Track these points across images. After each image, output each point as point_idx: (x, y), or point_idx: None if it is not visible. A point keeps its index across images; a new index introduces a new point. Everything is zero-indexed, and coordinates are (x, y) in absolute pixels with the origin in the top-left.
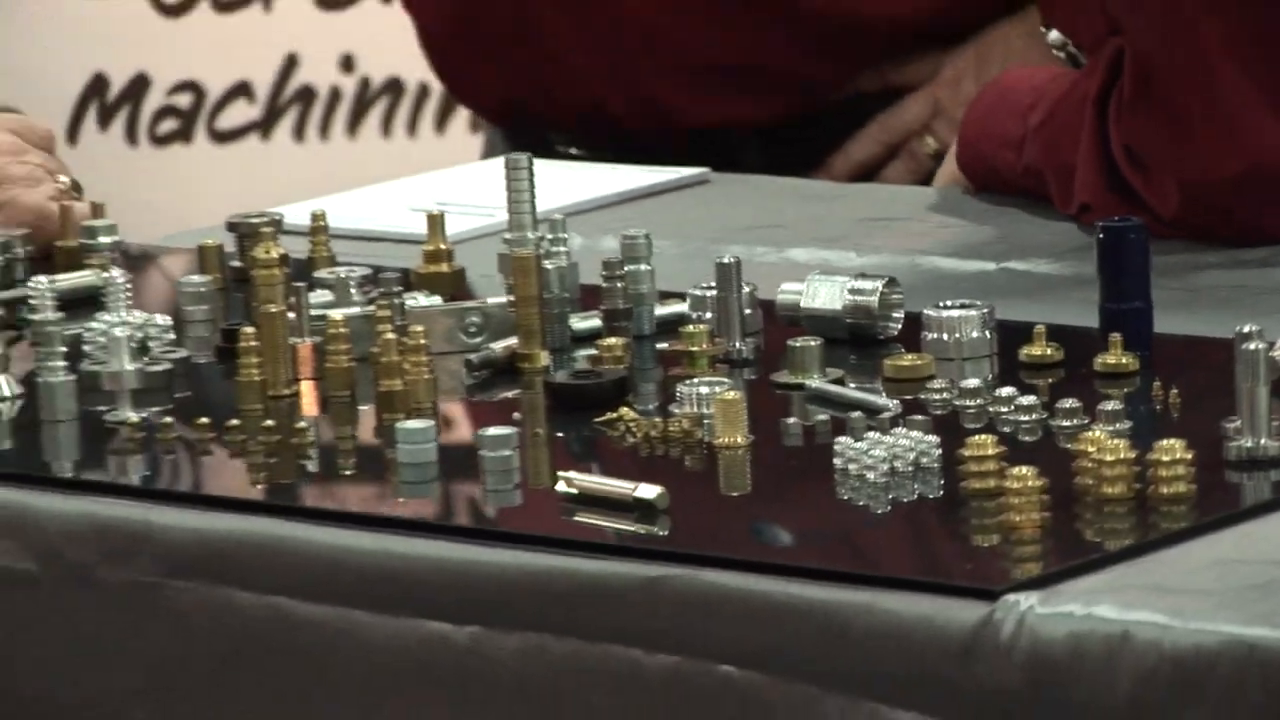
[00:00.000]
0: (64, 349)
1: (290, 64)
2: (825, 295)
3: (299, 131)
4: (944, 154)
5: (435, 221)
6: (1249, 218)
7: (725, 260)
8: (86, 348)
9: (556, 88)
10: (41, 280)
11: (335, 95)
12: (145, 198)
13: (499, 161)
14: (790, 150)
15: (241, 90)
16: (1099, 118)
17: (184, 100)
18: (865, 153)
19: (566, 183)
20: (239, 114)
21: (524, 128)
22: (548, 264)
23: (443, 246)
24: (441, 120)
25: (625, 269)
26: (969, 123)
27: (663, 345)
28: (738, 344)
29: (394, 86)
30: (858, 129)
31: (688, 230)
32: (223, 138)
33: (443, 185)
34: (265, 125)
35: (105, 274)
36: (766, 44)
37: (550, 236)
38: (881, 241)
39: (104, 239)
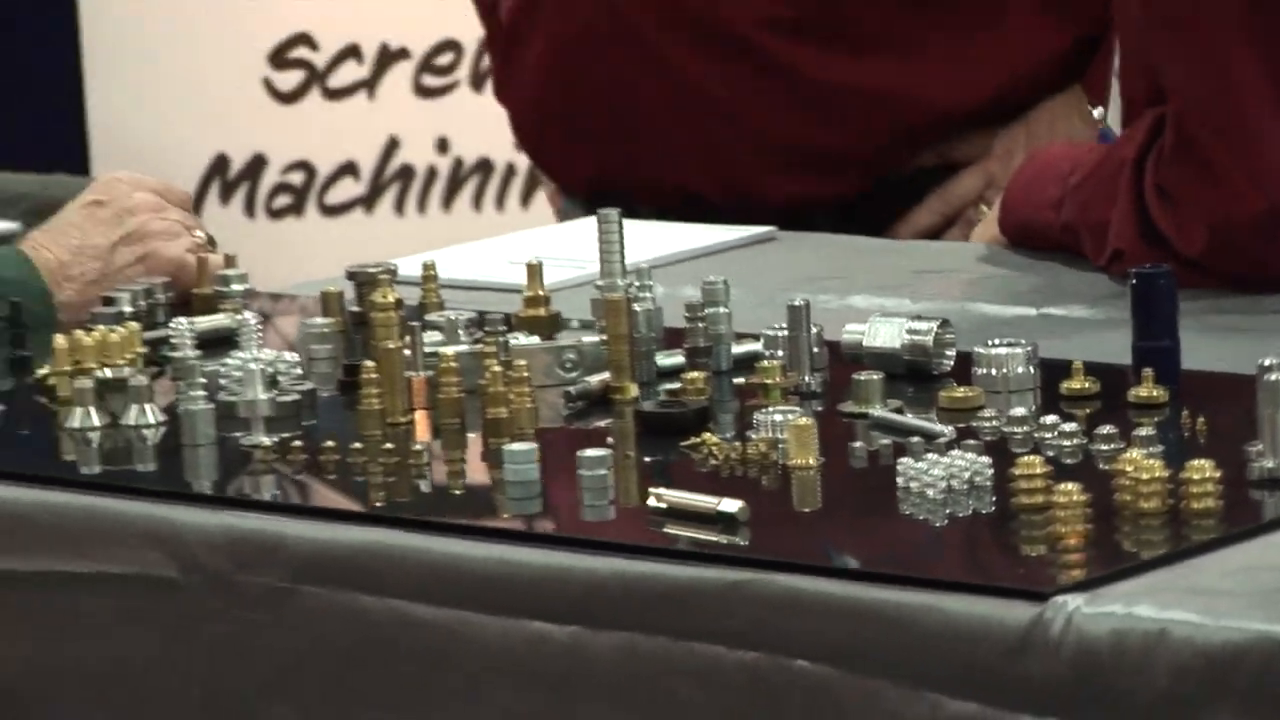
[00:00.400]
0: (203, 381)
1: (392, 146)
2: (885, 335)
3: (399, 206)
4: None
5: (534, 270)
6: (1272, 257)
7: (796, 303)
8: (223, 381)
9: (641, 166)
10: (182, 322)
11: (432, 174)
12: (262, 266)
13: (588, 221)
14: (857, 221)
15: (348, 169)
16: (1136, 176)
17: (297, 178)
18: (926, 222)
19: (647, 239)
20: (346, 190)
21: (607, 203)
22: (636, 307)
23: (541, 293)
24: (526, 196)
25: (705, 311)
26: (1012, 189)
27: (739, 379)
28: (807, 378)
29: (484, 166)
30: (918, 201)
31: (758, 280)
32: (331, 211)
33: (538, 241)
34: (369, 200)
35: (239, 316)
36: (840, 128)
37: (637, 283)
38: (933, 289)
39: (236, 286)
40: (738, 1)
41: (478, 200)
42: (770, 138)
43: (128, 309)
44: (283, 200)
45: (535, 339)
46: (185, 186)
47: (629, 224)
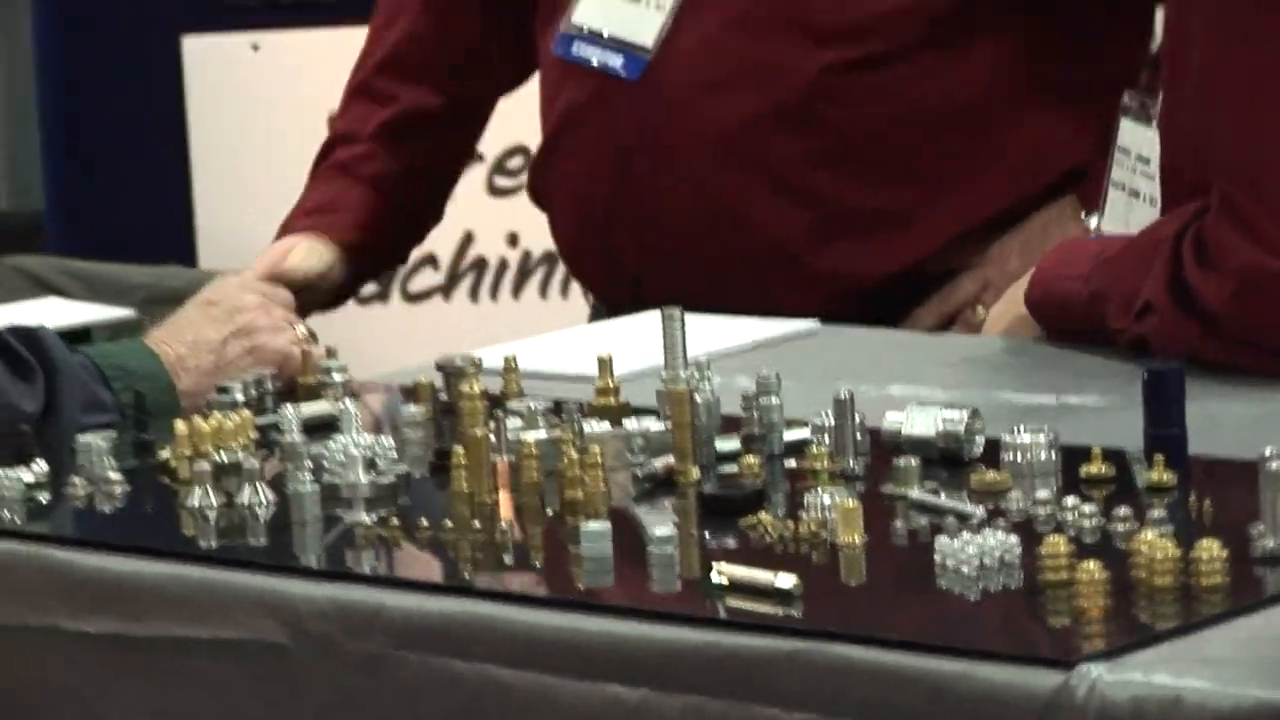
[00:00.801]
0: (309, 464)
1: (467, 240)
2: (921, 423)
3: (474, 294)
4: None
5: (605, 364)
6: None
7: (841, 396)
8: (326, 463)
9: (670, 279)
10: (288, 409)
11: (503, 265)
12: (354, 347)
13: (650, 316)
14: (865, 321)
15: (429, 261)
16: (1174, 245)
17: None
18: (928, 322)
19: (702, 332)
20: (426, 280)
21: (638, 308)
22: (697, 398)
23: (611, 383)
24: None
25: (760, 401)
26: (1043, 265)
27: (791, 463)
28: (852, 463)
29: (550, 258)
30: (920, 302)
31: (804, 370)
32: (413, 298)
33: (605, 334)
34: (447, 289)
35: (340, 404)
36: (865, 248)
37: (698, 375)
38: (961, 379)
39: (336, 375)
40: (782, 139)
41: (544, 289)
42: (804, 258)
43: (240, 397)
44: (371, 288)
45: (606, 425)
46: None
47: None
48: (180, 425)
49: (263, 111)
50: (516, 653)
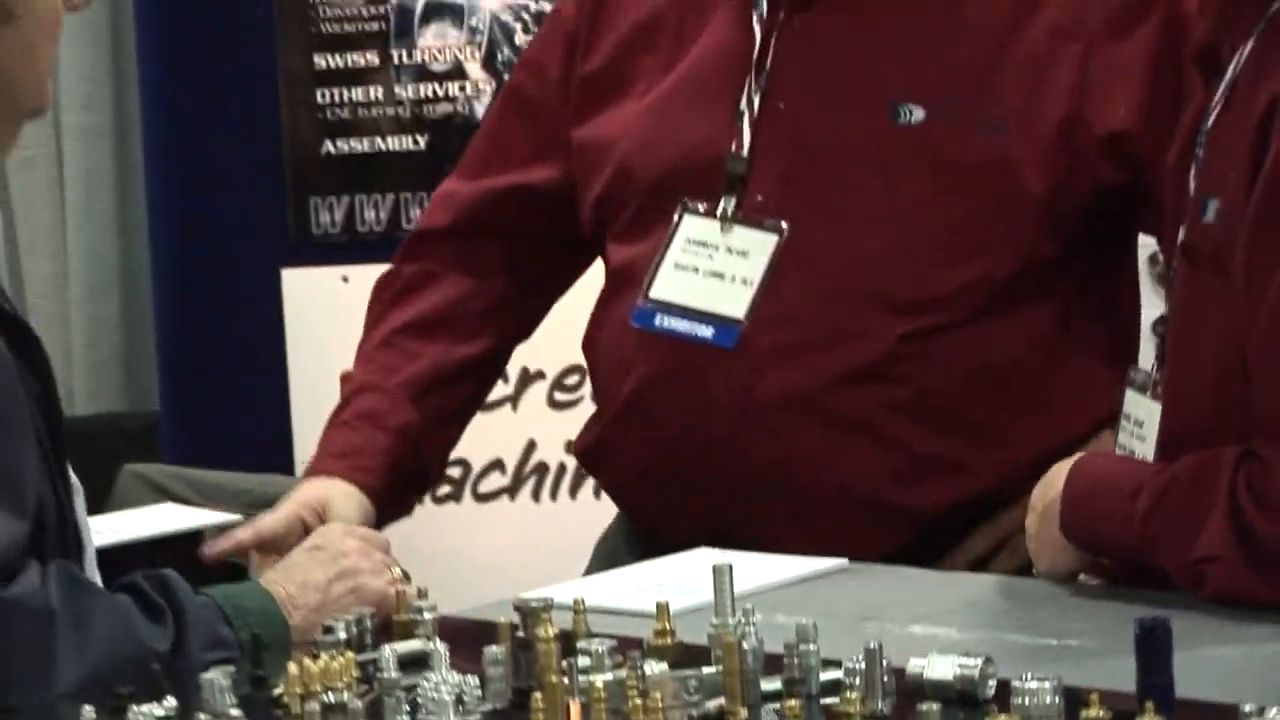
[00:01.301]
0: (405, 697)
1: (530, 447)
2: (940, 668)
3: (536, 495)
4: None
5: (662, 609)
6: None
7: (871, 645)
8: (419, 699)
9: (715, 513)
10: (386, 649)
11: (561, 469)
12: (429, 541)
13: (703, 555)
14: (918, 547)
15: (496, 465)
16: (1231, 501)
17: (456, 472)
18: (980, 549)
19: (746, 570)
20: (494, 482)
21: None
22: (745, 644)
23: (668, 626)
24: None
25: (799, 648)
26: (1074, 499)
27: (827, 700)
28: (880, 704)
29: None
30: (969, 532)
31: (837, 606)
32: (482, 499)
33: (660, 571)
34: (512, 490)
35: (431, 643)
36: (921, 489)
37: (744, 620)
38: (973, 620)
39: (427, 615)
40: (862, 394)
41: (597, 491)
42: (877, 499)
43: (343, 635)
44: (445, 489)
45: (664, 666)
46: None
47: (720, 553)
48: (292, 667)
49: (351, 336)
50: None
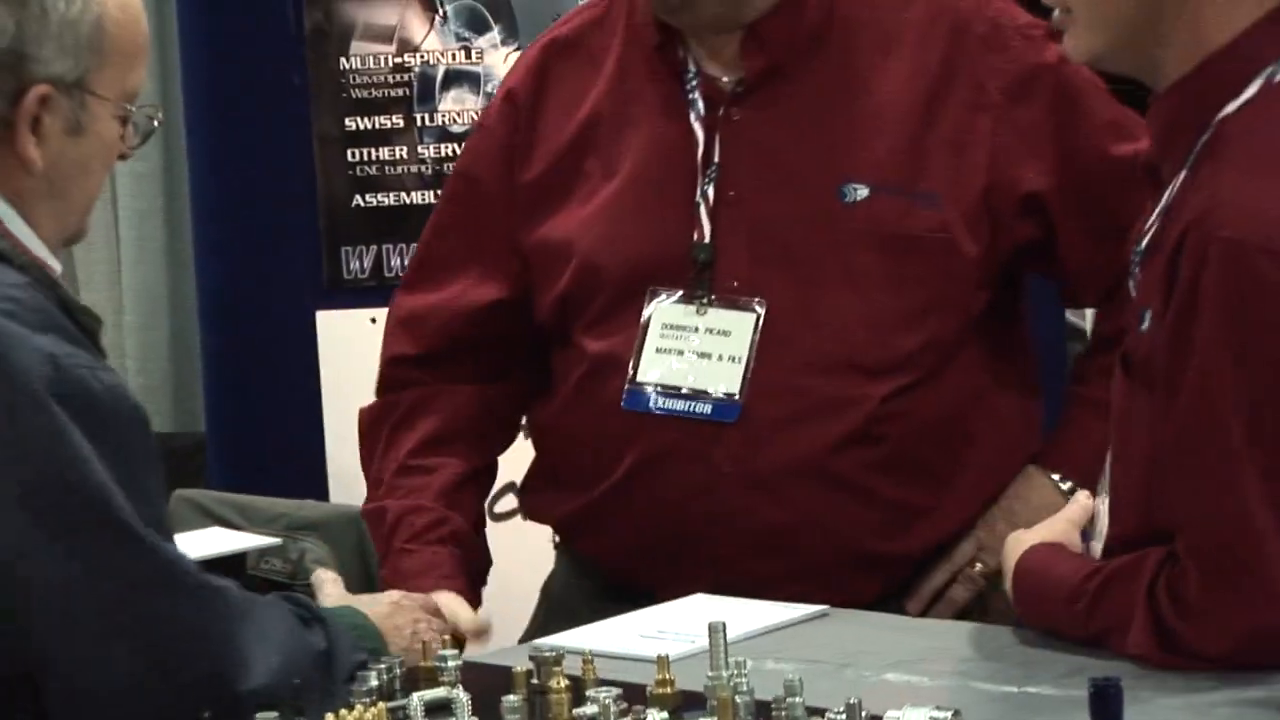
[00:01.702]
0: None
1: None
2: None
3: None
4: (988, 573)
5: (663, 661)
6: None
7: (851, 701)
8: None
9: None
10: (414, 696)
11: None
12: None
13: (698, 601)
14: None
15: (509, 488)
16: (1149, 604)
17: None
18: (938, 582)
19: (736, 615)
20: (508, 503)
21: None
22: (737, 699)
23: (668, 676)
24: None
25: (787, 700)
26: (1021, 596)
27: None
28: None
29: None
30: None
31: (818, 652)
32: (498, 518)
33: (662, 617)
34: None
35: (454, 690)
36: (901, 536)
37: (737, 673)
38: (943, 668)
39: (451, 663)
40: (853, 455)
41: None
42: (867, 549)
43: (374, 683)
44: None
45: (665, 715)
46: None
47: (708, 600)
48: (329, 716)
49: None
50: None
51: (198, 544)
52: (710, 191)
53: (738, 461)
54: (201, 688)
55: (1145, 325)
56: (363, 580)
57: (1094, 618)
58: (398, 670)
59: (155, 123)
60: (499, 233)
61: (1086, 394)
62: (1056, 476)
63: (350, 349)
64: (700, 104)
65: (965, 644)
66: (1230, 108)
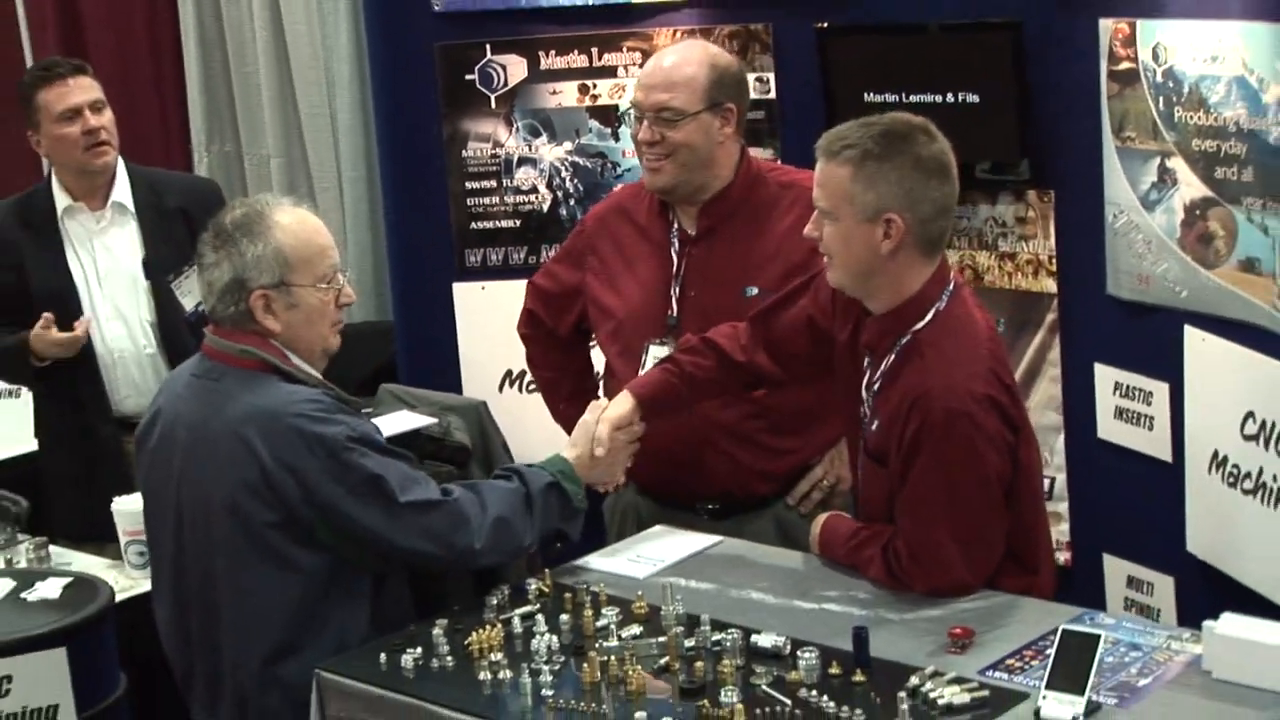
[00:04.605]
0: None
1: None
2: (766, 641)
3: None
4: (829, 484)
5: (640, 598)
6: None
7: (732, 636)
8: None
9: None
10: (514, 614)
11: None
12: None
13: (659, 532)
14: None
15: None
16: (884, 558)
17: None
18: (804, 489)
19: (666, 546)
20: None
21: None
22: (675, 616)
23: (643, 602)
24: None
25: (701, 627)
26: (822, 544)
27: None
28: (738, 660)
29: None
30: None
31: (717, 576)
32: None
33: (637, 545)
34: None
35: (534, 607)
36: (776, 465)
37: (673, 595)
38: (783, 585)
39: (533, 584)
40: (749, 420)
41: None
42: (753, 468)
43: (494, 601)
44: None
45: (638, 628)
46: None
47: (669, 531)
48: (474, 634)
49: (481, 318)
50: None
51: (394, 422)
52: (677, 290)
53: (691, 427)
54: (458, 553)
55: (874, 429)
56: (479, 439)
57: (856, 558)
58: (506, 592)
59: (346, 288)
60: (567, 302)
61: None
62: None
63: (468, 304)
64: (676, 243)
65: (802, 566)
66: (919, 325)
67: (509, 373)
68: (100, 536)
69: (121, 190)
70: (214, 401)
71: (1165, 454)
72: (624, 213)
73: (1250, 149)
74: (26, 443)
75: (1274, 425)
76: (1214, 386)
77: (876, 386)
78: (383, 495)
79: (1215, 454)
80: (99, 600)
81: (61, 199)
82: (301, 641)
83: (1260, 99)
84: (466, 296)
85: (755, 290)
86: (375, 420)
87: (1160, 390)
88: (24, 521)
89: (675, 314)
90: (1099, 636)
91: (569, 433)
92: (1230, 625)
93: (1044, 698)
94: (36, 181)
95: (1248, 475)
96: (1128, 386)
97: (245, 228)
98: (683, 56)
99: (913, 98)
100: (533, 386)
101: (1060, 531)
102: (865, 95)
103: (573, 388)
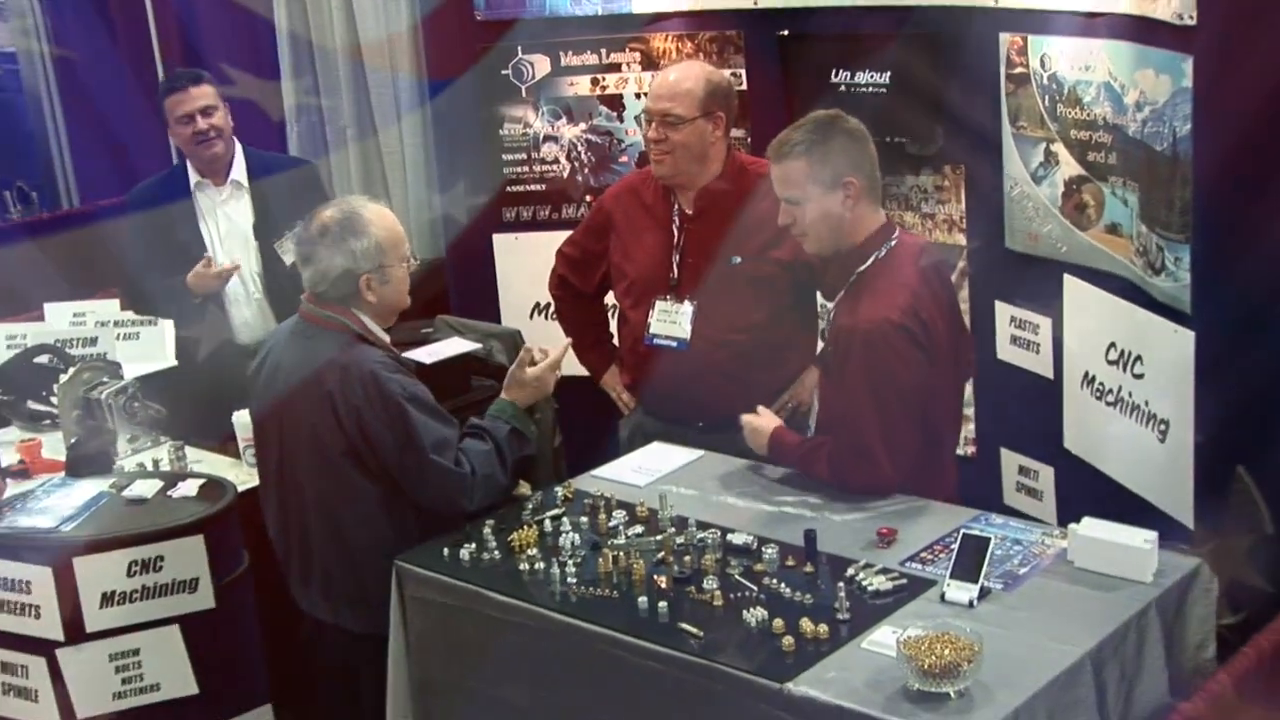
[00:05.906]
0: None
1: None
2: (737, 539)
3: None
4: (796, 405)
5: (643, 501)
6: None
7: (712, 538)
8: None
9: (681, 400)
10: (545, 516)
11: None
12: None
13: (657, 448)
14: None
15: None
16: (827, 458)
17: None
18: (785, 400)
19: (662, 458)
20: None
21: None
22: (669, 518)
23: (644, 505)
24: None
25: (689, 529)
26: (772, 451)
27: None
28: (720, 554)
29: None
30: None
31: (700, 484)
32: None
33: (640, 458)
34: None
35: (561, 509)
36: (762, 390)
37: (663, 504)
38: (749, 489)
39: (560, 491)
40: (734, 359)
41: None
42: (736, 394)
43: (530, 505)
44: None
45: (640, 528)
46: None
47: (665, 447)
48: (515, 533)
49: (518, 262)
50: None
51: (448, 347)
52: (678, 257)
53: (689, 363)
54: (455, 509)
55: (830, 351)
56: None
57: (804, 461)
58: (539, 496)
59: (413, 258)
60: (593, 263)
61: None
62: (816, 370)
63: (505, 250)
64: (677, 220)
65: (765, 476)
66: (861, 268)
67: (537, 304)
68: (223, 438)
69: (239, 170)
70: (306, 354)
71: (1048, 372)
72: (635, 193)
73: (1115, 139)
74: (164, 360)
75: (1131, 353)
76: (1086, 322)
77: (830, 318)
78: (416, 449)
79: (1086, 374)
80: (226, 497)
81: (193, 176)
82: (364, 538)
83: (1123, 100)
84: (504, 244)
85: (738, 259)
86: (433, 345)
87: (1045, 323)
88: (163, 424)
89: (675, 276)
90: (990, 539)
91: (592, 374)
92: (1089, 528)
93: (948, 585)
94: (166, 164)
95: (1110, 391)
96: (1020, 319)
97: (349, 227)
98: (684, 73)
99: (858, 76)
100: (554, 316)
101: (968, 430)
102: (831, 76)
103: (594, 337)
